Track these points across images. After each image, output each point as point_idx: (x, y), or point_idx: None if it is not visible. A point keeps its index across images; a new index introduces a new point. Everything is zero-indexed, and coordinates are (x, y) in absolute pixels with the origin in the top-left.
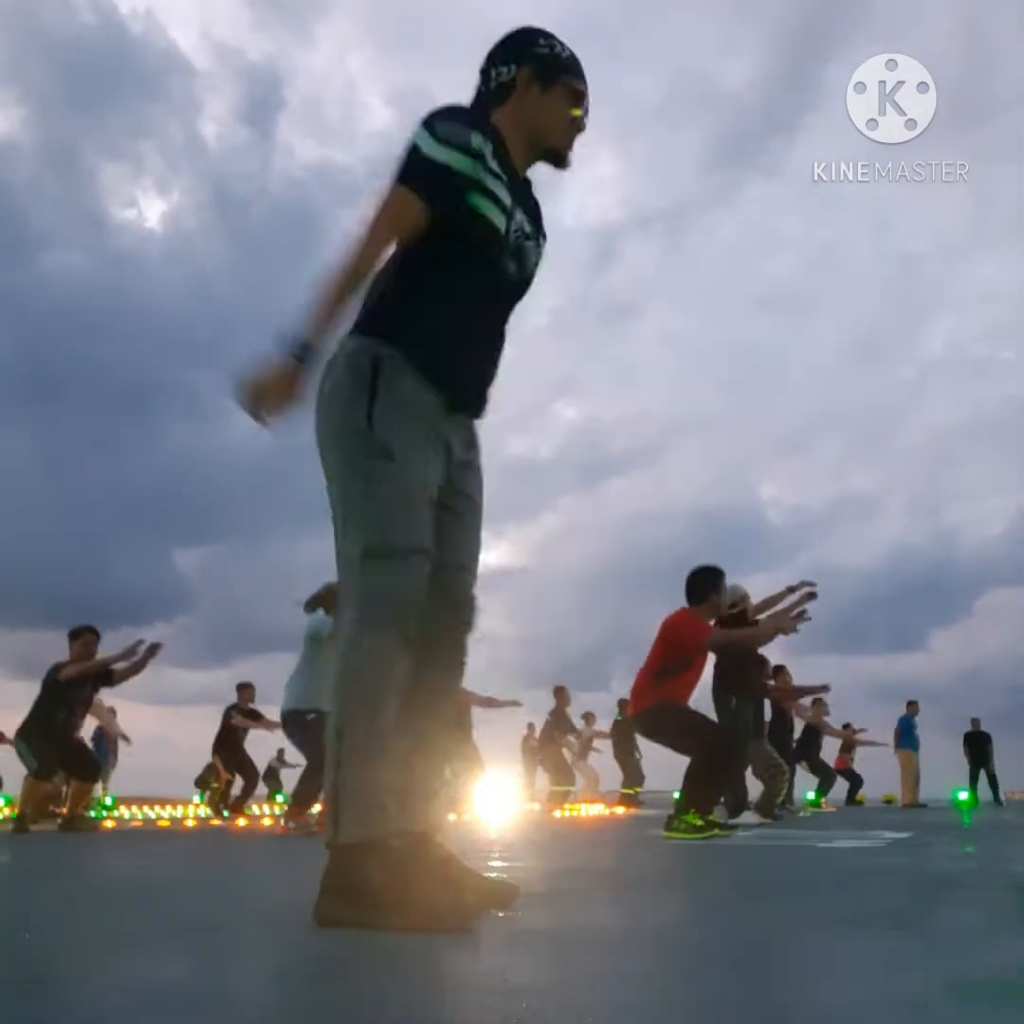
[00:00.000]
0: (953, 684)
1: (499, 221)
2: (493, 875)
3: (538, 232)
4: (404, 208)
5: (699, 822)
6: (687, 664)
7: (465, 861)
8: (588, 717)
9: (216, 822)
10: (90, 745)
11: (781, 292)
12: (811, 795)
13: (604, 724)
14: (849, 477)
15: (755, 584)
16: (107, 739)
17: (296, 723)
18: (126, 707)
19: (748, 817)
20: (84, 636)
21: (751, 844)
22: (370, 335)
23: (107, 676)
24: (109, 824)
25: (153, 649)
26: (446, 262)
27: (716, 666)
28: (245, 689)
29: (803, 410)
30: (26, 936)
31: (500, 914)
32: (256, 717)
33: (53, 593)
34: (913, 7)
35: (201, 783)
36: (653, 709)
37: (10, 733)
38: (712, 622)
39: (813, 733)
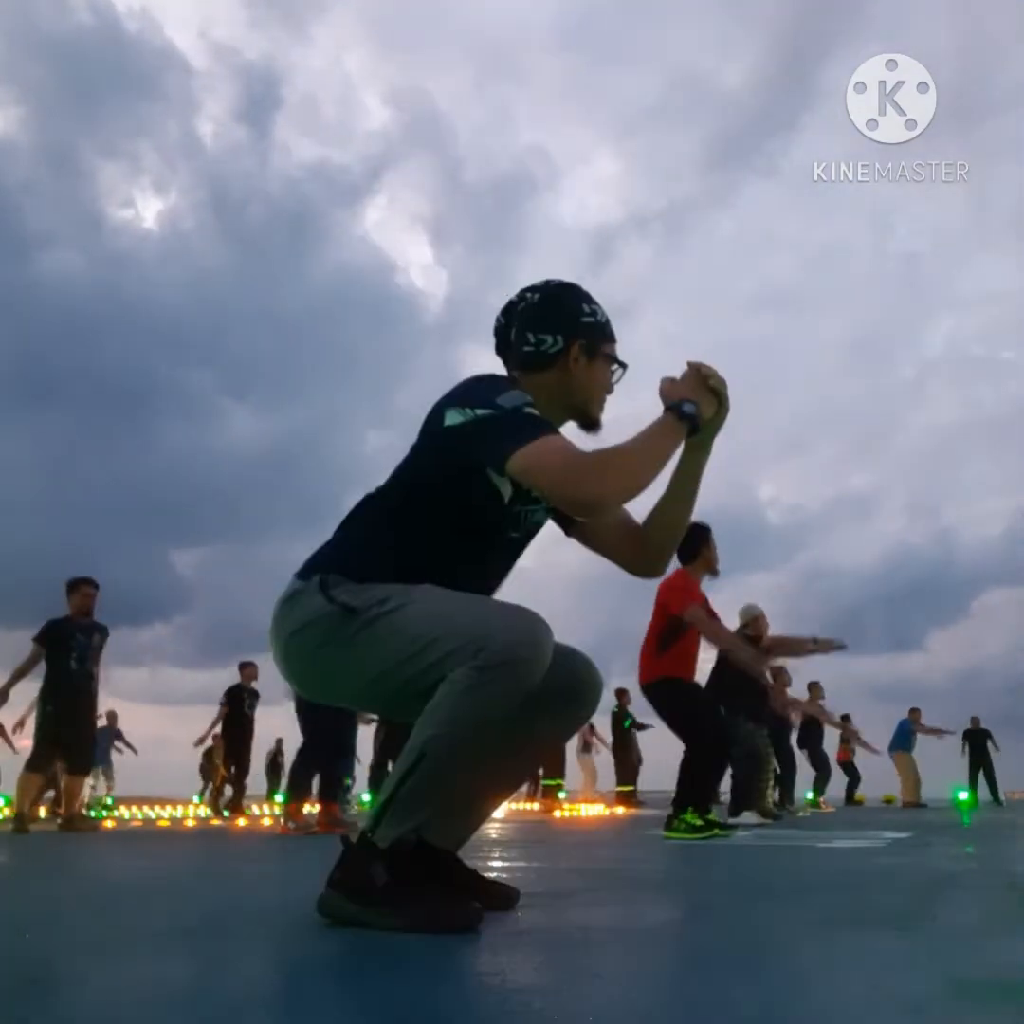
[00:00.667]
0: (952, 684)
1: (506, 490)
2: (493, 875)
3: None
4: (561, 447)
5: (699, 822)
6: (684, 631)
7: (465, 861)
8: None
9: (216, 822)
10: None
11: (779, 292)
12: (809, 794)
13: (603, 718)
14: (848, 477)
15: (754, 583)
16: (111, 744)
17: (302, 699)
18: (125, 707)
19: (748, 817)
20: (82, 589)
21: (751, 844)
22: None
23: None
24: (109, 824)
25: None
26: (435, 523)
27: (712, 675)
28: (247, 667)
29: (802, 410)
30: (26, 936)
31: (500, 914)
32: (254, 697)
33: (49, 593)
34: (910, 7)
35: (205, 772)
36: (658, 685)
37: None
38: (707, 577)
39: (814, 724)
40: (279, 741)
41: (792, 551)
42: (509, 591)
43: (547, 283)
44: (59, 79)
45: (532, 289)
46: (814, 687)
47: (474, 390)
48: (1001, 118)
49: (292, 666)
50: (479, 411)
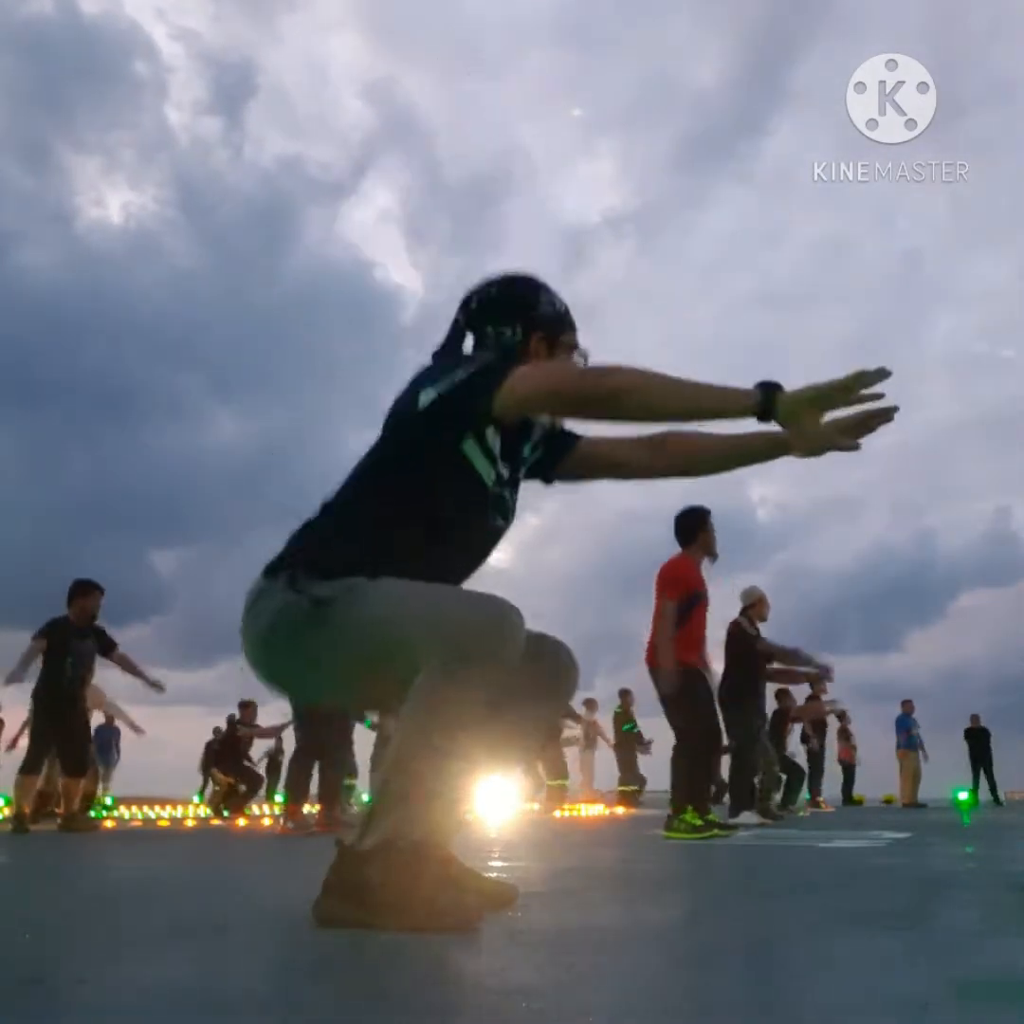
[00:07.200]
0: (933, 683)
1: (487, 473)
2: (493, 875)
3: (517, 469)
4: (557, 363)
5: (699, 822)
6: (685, 617)
7: (465, 861)
8: (589, 704)
9: (216, 822)
10: (93, 740)
11: (773, 290)
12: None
13: (605, 718)
14: (842, 477)
15: (743, 583)
16: (114, 741)
17: (297, 703)
18: None
19: (748, 817)
20: (93, 593)
21: (751, 844)
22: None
23: (106, 646)
24: (109, 824)
25: (155, 685)
26: (410, 511)
27: (727, 667)
28: (247, 707)
29: None
30: (26, 936)
31: (499, 914)
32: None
33: (28, 593)
34: (894, 6)
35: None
36: (661, 669)
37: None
38: (705, 561)
39: (818, 725)
40: (278, 740)
41: (780, 551)
42: (494, 591)
43: (503, 275)
44: (23, 69)
45: (488, 282)
46: (815, 686)
47: (443, 366)
48: (998, 116)
49: (265, 664)
50: (457, 375)
